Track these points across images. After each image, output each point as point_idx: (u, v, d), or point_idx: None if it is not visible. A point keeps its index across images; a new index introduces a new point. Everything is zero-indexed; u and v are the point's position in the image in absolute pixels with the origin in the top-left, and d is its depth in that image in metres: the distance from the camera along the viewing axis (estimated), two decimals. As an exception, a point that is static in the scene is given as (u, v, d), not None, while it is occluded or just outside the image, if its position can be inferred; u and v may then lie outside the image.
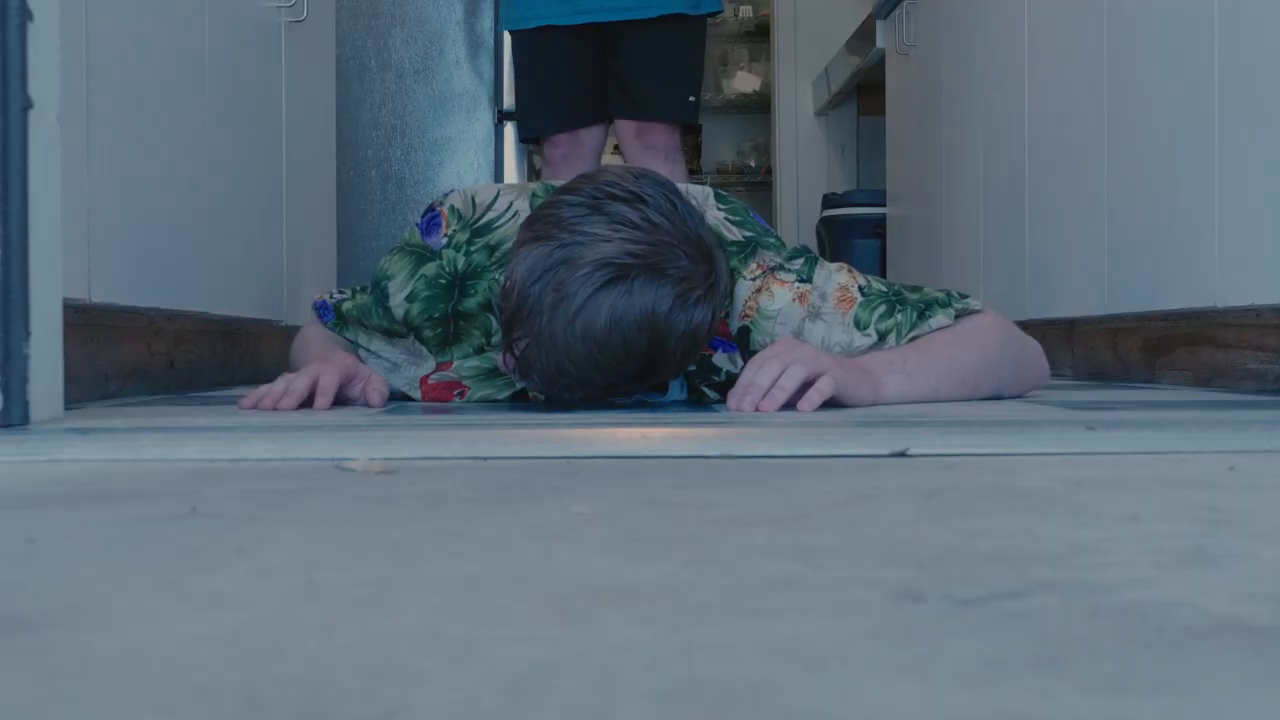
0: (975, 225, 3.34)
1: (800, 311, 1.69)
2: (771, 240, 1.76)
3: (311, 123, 3.13)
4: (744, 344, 1.72)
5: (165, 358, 2.31)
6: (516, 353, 1.53)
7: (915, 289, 1.75)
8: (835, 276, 1.72)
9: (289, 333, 3.17)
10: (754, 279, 1.70)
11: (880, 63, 4.42)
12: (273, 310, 2.77)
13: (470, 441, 1.22)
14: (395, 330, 1.82)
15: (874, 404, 1.59)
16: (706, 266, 1.51)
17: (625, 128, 3.02)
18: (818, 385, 1.52)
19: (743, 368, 1.61)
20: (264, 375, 2.94)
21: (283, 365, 3.13)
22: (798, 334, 1.69)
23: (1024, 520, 0.77)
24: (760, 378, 1.53)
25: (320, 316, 1.92)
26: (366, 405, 1.71)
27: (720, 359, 1.74)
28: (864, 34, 4.59)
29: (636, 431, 1.33)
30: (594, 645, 0.48)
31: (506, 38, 4.15)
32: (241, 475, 1.03)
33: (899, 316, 1.69)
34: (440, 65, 4.27)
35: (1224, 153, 2.00)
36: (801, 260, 1.74)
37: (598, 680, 0.43)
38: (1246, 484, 0.95)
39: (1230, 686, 0.42)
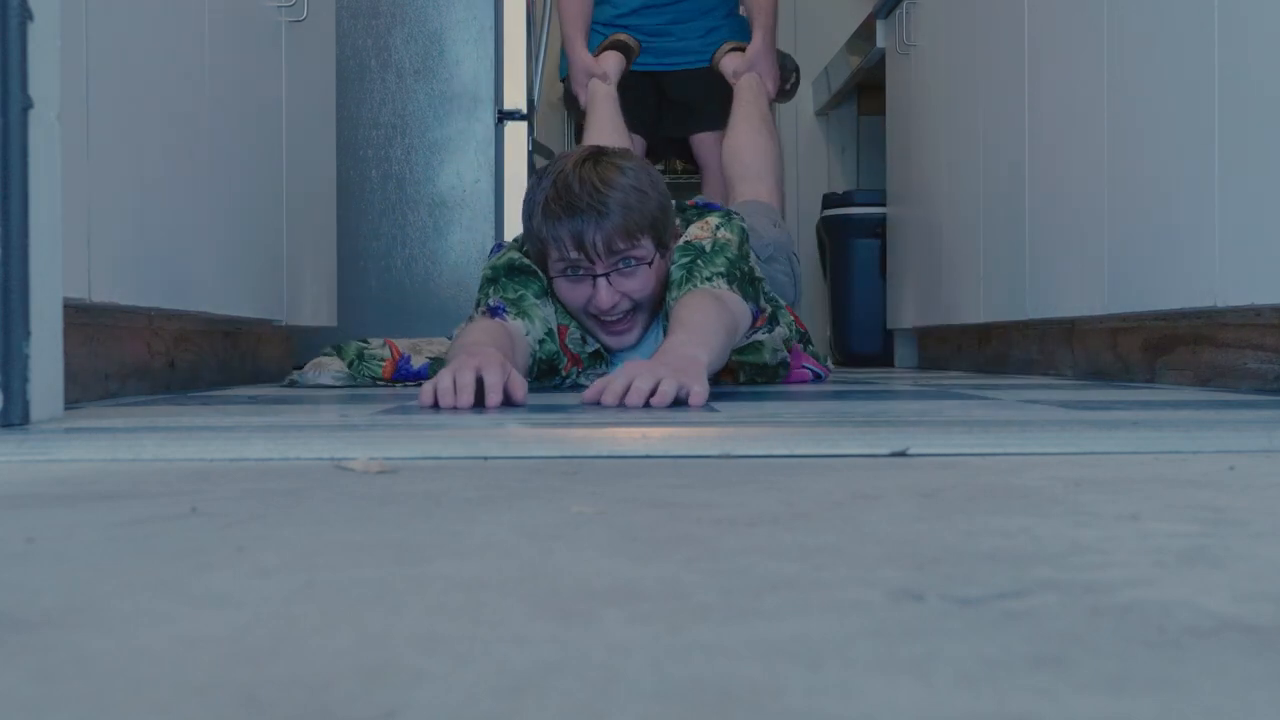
0: (975, 225, 3.34)
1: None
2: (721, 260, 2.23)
3: (311, 123, 3.13)
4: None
5: (165, 358, 2.31)
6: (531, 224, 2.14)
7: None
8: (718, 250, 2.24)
9: (289, 333, 3.17)
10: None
11: (880, 63, 4.42)
12: (273, 310, 2.77)
13: (470, 441, 1.22)
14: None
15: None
16: (661, 188, 2.18)
17: (700, 140, 3.76)
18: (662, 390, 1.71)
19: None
20: (264, 375, 2.94)
21: (282, 365, 3.13)
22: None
23: (1024, 520, 0.77)
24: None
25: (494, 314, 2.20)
26: (511, 401, 1.74)
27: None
28: (864, 34, 4.59)
29: (636, 431, 1.33)
30: (594, 645, 0.48)
31: (508, 37, 4.19)
32: (241, 475, 1.03)
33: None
34: (440, 65, 4.26)
35: (1224, 152, 2.00)
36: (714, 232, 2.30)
37: (598, 680, 0.43)
38: (1246, 484, 0.95)
39: (1230, 686, 0.42)
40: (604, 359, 2.24)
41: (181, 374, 2.38)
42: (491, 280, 2.23)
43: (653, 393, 1.68)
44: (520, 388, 1.75)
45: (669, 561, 0.64)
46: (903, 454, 1.13)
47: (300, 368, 2.60)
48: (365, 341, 2.63)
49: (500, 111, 4.26)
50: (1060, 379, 2.82)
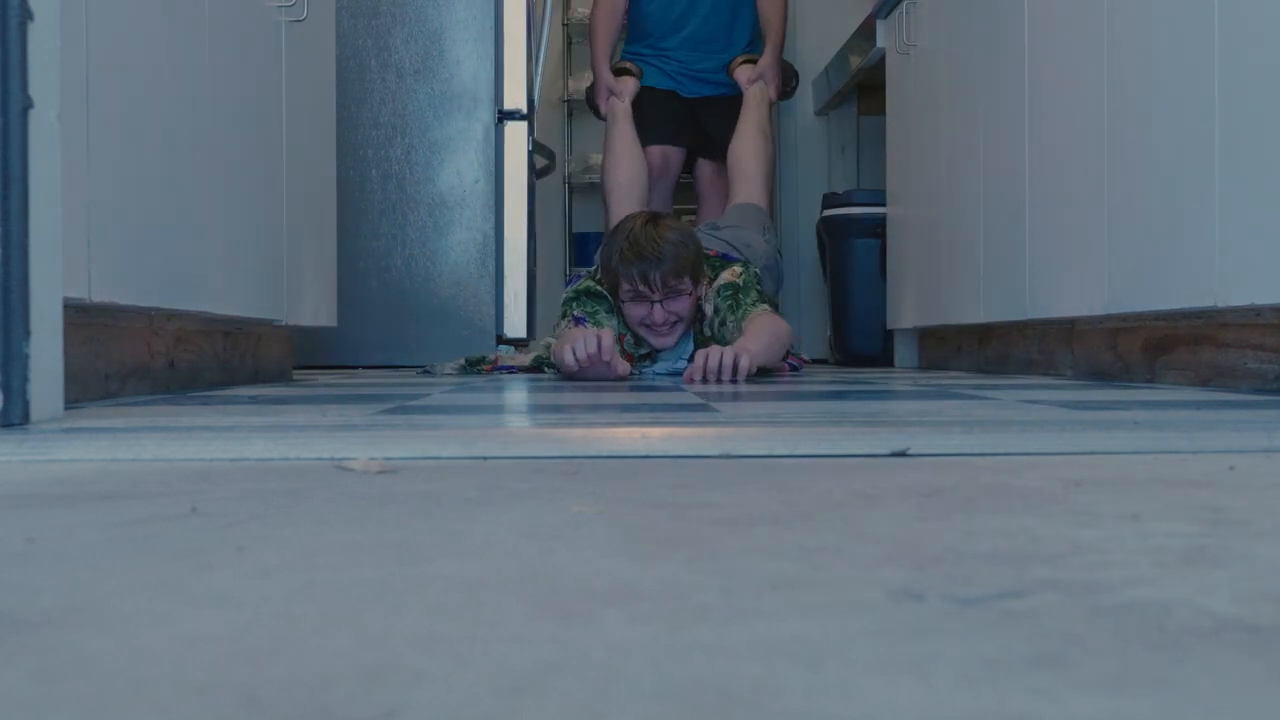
0: (975, 225, 3.34)
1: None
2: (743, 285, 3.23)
3: (311, 123, 3.13)
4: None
5: (165, 358, 2.31)
6: (612, 264, 3.09)
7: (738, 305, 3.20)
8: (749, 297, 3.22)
9: (289, 333, 3.17)
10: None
11: (880, 63, 4.42)
12: (273, 310, 2.77)
13: (470, 441, 1.22)
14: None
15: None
16: (696, 243, 3.20)
17: (709, 166, 4.48)
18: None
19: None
20: (264, 375, 2.94)
21: (282, 365, 3.13)
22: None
23: (1024, 520, 0.77)
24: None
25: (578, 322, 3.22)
26: (614, 374, 2.84)
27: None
28: (864, 34, 4.59)
29: (636, 431, 1.33)
30: (594, 645, 0.48)
31: (508, 37, 4.20)
32: (241, 475, 1.03)
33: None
34: (440, 65, 4.26)
35: (1224, 152, 2.00)
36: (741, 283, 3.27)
37: (598, 680, 0.43)
38: (1246, 484, 0.95)
39: (1230, 686, 0.42)
40: (649, 358, 3.26)
41: (181, 374, 2.38)
42: (573, 300, 3.27)
43: (721, 362, 2.68)
44: (623, 364, 2.87)
45: (669, 561, 0.64)
46: (903, 454, 1.13)
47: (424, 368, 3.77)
48: (481, 355, 3.74)
49: (500, 111, 4.26)
50: (1060, 379, 2.82)
